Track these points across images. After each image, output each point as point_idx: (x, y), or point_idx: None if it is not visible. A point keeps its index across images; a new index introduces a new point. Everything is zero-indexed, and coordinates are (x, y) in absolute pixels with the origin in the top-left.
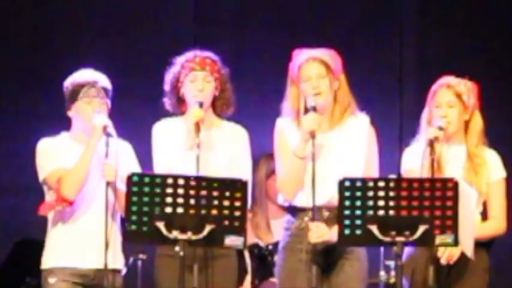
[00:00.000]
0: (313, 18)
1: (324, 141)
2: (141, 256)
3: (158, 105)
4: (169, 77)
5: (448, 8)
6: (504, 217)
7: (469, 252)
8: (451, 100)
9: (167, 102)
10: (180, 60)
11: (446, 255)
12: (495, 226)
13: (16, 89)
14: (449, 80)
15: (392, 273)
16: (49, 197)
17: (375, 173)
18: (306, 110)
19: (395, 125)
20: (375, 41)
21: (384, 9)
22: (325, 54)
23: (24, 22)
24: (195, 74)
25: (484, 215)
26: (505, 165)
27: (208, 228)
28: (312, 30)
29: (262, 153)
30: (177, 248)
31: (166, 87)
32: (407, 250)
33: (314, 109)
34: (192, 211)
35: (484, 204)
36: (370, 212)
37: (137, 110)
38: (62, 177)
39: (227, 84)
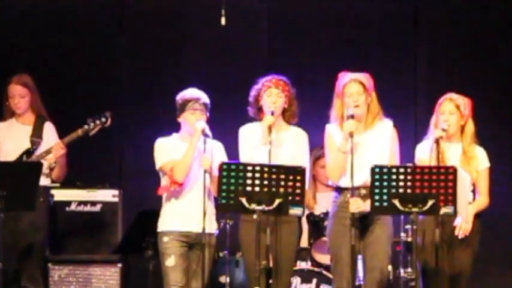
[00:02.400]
0: (350, 51)
1: (360, 140)
2: (229, 222)
3: (243, 113)
4: (253, 92)
5: (452, 38)
6: (488, 194)
7: (464, 217)
8: (452, 109)
9: (250, 111)
10: (261, 80)
11: (462, 231)
12: (484, 201)
13: (140, 100)
14: (451, 95)
15: (410, 234)
16: (164, 181)
17: (397, 162)
18: (347, 118)
19: (411, 127)
20: (395, 65)
21: (401, 40)
22: (362, 76)
23: (149, 50)
24: (270, 91)
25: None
26: (489, 158)
27: (277, 202)
28: (350, 59)
29: (313, 147)
30: (254, 216)
31: (251, 99)
32: (421, 218)
33: (352, 117)
34: (265, 189)
35: (474, 186)
36: (393, 190)
37: (227, 117)
38: (173, 167)
39: (294, 100)
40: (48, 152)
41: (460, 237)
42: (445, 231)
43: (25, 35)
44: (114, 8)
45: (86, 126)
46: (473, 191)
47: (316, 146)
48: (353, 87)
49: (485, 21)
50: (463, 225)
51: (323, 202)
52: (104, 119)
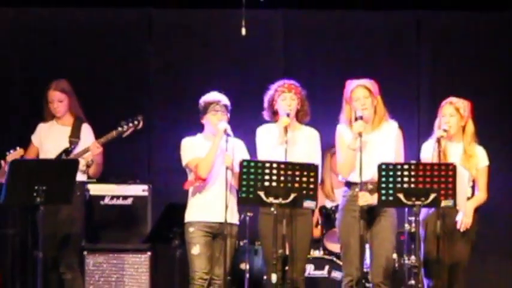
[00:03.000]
0: (358, 58)
1: (368, 139)
2: (248, 214)
3: (261, 114)
4: (267, 97)
5: (452, 47)
6: (486, 190)
7: (463, 210)
8: (452, 112)
9: (265, 114)
10: (274, 86)
11: (463, 225)
12: (482, 196)
13: (167, 104)
14: (451, 99)
15: (413, 225)
16: (190, 176)
17: (401, 160)
18: (356, 119)
19: (415, 128)
20: (400, 71)
21: (405, 48)
22: (367, 82)
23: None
24: (284, 95)
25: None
26: (489, 157)
27: (292, 196)
28: (359, 65)
29: (328, 144)
30: (272, 209)
31: (266, 103)
32: (423, 210)
33: (361, 118)
34: (281, 184)
35: (473, 182)
36: (398, 185)
37: (246, 118)
38: (198, 163)
39: (305, 101)
40: (85, 151)
41: (461, 230)
42: (446, 223)
43: (65, 44)
44: (144, 20)
45: (120, 128)
46: (473, 187)
47: (331, 144)
48: (360, 92)
49: (483, 31)
50: (464, 219)
51: (339, 197)
52: (136, 122)
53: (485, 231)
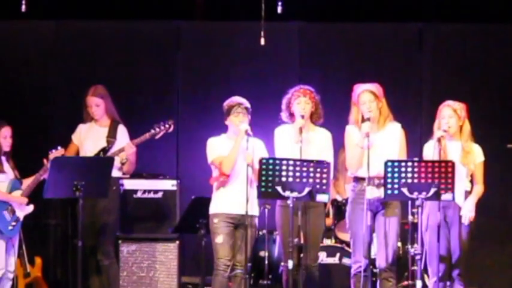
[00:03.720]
0: (366, 65)
1: (374, 138)
2: (267, 206)
3: (277, 117)
4: (284, 100)
5: (451, 55)
6: (483, 183)
7: (461, 203)
8: (451, 114)
9: (283, 115)
10: (291, 91)
11: (467, 219)
12: (480, 189)
13: (194, 107)
14: (448, 102)
15: (416, 216)
16: (214, 172)
17: (405, 157)
18: (363, 120)
19: (417, 129)
20: (404, 77)
21: (408, 56)
22: (373, 86)
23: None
24: (300, 99)
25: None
26: (484, 153)
27: (307, 190)
28: (366, 72)
29: (341, 144)
30: (288, 202)
31: (283, 106)
32: (425, 203)
33: (368, 119)
34: (297, 180)
35: (471, 176)
36: (403, 180)
37: (265, 119)
38: (222, 161)
39: (319, 104)
40: (120, 150)
41: (466, 223)
42: (447, 214)
43: (102, 53)
44: (173, 32)
45: (152, 131)
46: (471, 181)
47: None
48: (366, 96)
49: (478, 41)
50: (468, 214)
51: (349, 191)
52: (167, 126)
53: (481, 220)
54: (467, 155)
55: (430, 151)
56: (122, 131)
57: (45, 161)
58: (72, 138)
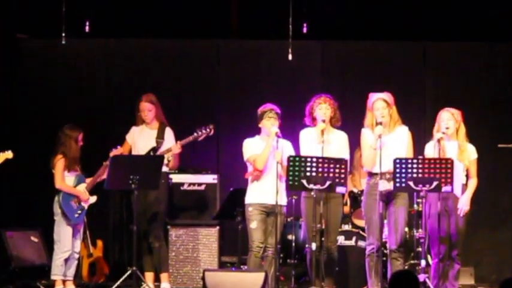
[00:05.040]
0: (378, 78)
1: (385, 139)
2: (294, 197)
3: (302, 122)
4: (308, 107)
5: (451, 70)
6: (477, 177)
7: (459, 194)
8: (449, 117)
9: (307, 120)
10: (313, 98)
11: (463, 212)
12: (475, 182)
13: (232, 113)
14: (448, 108)
15: (420, 205)
16: (250, 168)
17: (411, 155)
18: (376, 124)
19: (422, 132)
20: (410, 88)
21: (414, 71)
22: (385, 95)
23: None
24: (321, 106)
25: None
26: (478, 151)
27: (328, 183)
28: (378, 84)
29: (358, 144)
30: (312, 193)
31: (307, 112)
32: (428, 194)
33: (380, 123)
34: (319, 174)
35: (467, 171)
36: (409, 175)
37: (292, 124)
38: (255, 158)
39: (337, 110)
40: (168, 150)
41: (461, 215)
42: (446, 204)
43: (153, 66)
44: (213, 48)
45: (195, 134)
46: (467, 176)
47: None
48: (379, 104)
49: (473, 58)
50: (464, 208)
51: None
52: (208, 130)
53: (475, 209)
54: (463, 152)
55: (430, 150)
56: (169, 132)
57: (104, 163)
58: (126, 138)
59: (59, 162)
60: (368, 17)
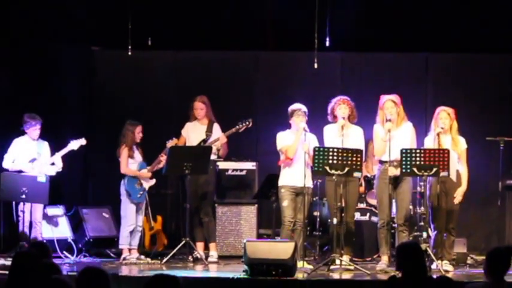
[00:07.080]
0: (387, 85)
1: (393, 133)
2: (319, 180)
3: (325, 119)
4: (329, 107)
5: (449, 77)
6: (466, 164)
7: (454, 179)
8: (446, 116)
9: (329, 117)
10: (334, 99)
11: (459, 198)
12: (465, 169)
13: (267, 111)
14: (443, 107)
15: (422, 187)
16: (282, 157)
17: (415, 146)
18: (386, 121)
19: (423, 127)
20: (413, 93)
21: (416, 78)
22: (394, 96)
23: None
24: (341, 106)
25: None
26: (468, 143)
27: (346, 169)
28: (387, 89)
29: (370, 137)
30: (333, 177)
31: (329, 111)
32: (429, 178)
33: (389, 120)
34: (339, 162)
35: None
36: (413, 162)
37: (317, 120)
38: (287, 149)
39: (354, 109)
40: (216, 140)
41: (456, 203)
42: (444, 186)
43: (203, 74)
44: (253, 59)
45: (237, 126)
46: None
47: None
48: (388, 104)
49: (468, 67)
50: (458, 198)
51: (376, 170)
52: (248, 123)
53: (468, 190)
54: (456, 144)
55: (429, 142)
56: (216, 127)
57: (159, 156)
58: (182, 132)
59: (123, 152)
60: (378, 33)
